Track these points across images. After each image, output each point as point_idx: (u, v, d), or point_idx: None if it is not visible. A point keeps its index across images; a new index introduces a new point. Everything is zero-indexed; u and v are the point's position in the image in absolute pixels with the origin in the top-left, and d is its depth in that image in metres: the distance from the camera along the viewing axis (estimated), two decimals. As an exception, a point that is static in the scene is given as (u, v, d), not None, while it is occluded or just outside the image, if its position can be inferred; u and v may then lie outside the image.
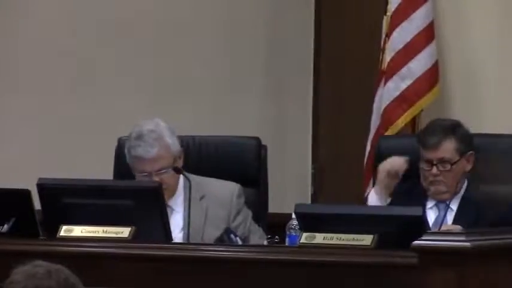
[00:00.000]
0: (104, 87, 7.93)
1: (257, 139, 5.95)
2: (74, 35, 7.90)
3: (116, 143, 6.05)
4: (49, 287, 2.25)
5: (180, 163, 5.05)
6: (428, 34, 6.78)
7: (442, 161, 5.58)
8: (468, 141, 5.61)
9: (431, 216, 5.50)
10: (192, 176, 5.00)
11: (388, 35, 6.83)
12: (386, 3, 6.95)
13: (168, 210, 4.85)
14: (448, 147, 5.51)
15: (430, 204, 5.58)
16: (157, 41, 8.26)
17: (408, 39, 6.76)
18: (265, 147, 5.94)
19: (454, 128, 5.58)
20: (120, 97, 7.91)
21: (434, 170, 5.54)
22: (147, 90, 8.02)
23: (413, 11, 6.79)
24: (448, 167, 5.54)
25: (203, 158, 5.61)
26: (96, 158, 7.12)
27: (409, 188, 5.69)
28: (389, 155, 5.74)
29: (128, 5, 8.12)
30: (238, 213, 5.08)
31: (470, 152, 5.57)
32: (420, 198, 5.55)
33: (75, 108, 7.56)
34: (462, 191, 5.64)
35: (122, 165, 5.39)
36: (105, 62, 8.01)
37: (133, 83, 8.02)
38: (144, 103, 7.83)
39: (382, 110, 6.78)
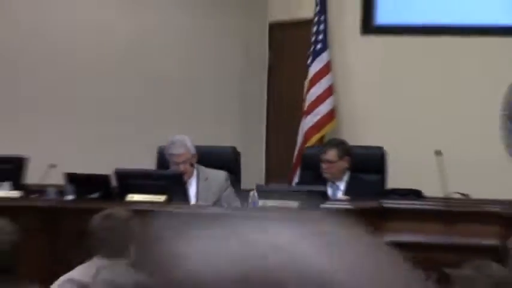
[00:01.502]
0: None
1: (234, 148, 6.26)
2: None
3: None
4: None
5: (194, 160, 5.61)
6: (329, 92, 6.89)
7: (327, 160, 5.98)
8: (346, 151, 6.02)
9: (329, 192, 5.80)
10: (200, 167, 5.66)
11: (308, 91, 6.91)
12: (307, 75, 6.95)
13: (188, 185, 5.54)
14: (331, 154, 5.95)
15: (329, 185, 5.92)
16: (141, 64, 7.45)
17: (318, 93, 6.87)
18: (239, 153, 6.24)
19: (338, 144, 6.09)
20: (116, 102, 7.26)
21: (324, 165, 5.99)
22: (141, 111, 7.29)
23: (320, 79, 6.88)
24: (330, 164, 5.99)
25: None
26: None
27: (319, 176, 6.04)
28: (311, 157, 6.33)
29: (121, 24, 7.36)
30: (226, 189, 5.59)
31: (347, 157, 5.98)
32: (325, 181, 5.97)
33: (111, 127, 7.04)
34: (346, 178, 6.01)
35: (161, 162, 5.85)
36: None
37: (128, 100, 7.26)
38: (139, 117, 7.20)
39: (304, 132, 6.90)
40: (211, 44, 7.44)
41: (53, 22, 7.31)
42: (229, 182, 5.68)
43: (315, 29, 6.94)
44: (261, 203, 5.45)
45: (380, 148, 6.12)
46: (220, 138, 6.82)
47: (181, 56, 7.42)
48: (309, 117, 6.88)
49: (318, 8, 6.91)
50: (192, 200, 5.54)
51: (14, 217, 3.78)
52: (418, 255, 4.29)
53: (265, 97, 7.65)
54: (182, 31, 7.38)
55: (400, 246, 3.15)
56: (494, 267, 2.59)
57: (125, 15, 7.35)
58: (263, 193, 5.49)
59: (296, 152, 6.85)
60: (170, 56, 7.30)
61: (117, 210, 4.12)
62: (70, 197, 5.50)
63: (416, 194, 5.82)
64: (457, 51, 6.72)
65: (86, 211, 4.46)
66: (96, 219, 3.91)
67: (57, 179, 5.76)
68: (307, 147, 6.73)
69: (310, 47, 6.97)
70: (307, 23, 7.00)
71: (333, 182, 5.92)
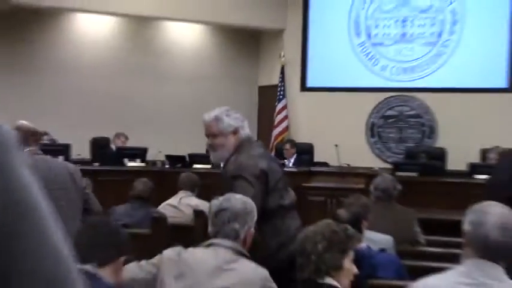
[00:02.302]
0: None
1: None
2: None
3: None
4: None
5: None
6: (285, 118, 6.72)
7: (286, 149, 5.64)
8: (294, 144, 5.71)
9: (286, 163, 5.38)
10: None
11: (276, 117, 6.73)
12: (275, 110, 6.76)
13: None
14: (287, 146, 5.75)
15: (286, 161, 5.49)
16: (174, 85, 6.58)
17: (280, 118, 6.73)
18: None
19: (290, 141, 5.91)
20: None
21: (284, 151, 5.58)
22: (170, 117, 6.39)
23: (281, 112, 6.66)
24: (287, 150, 5.64)
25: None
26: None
27: (283, 156, 5.57)
28: (278, 148, 6.01)
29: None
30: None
31: (295, 147, 5.59)
32: (285, 158, 5.55)
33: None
34: (294, 157, 5.57)
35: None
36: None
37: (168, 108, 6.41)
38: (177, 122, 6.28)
39: (274, 137, 6.70)
40: (226, 98, 6.44)
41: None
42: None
43: (278, 88, 6.80)
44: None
45: (310, 144, 6.02)
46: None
47: (211, 99, 6.34)
48: (276, 129, 6.77)
49: (280, 79, 6.80)
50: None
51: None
52: (327, 193, 4.59)
53: (256, 122, 7.26)
54: (207, 95, 6.48)
55: (319, 189, 4.38)
56: (362, 198, 2.34)
57: (144, 88, 6.46)
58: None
59: (270, 146, 6.67)
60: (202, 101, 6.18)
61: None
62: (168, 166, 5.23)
63: (325, 164, 5.76)
64: (347, 100, 6.54)
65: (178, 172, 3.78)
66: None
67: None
68: (276, 143, 6.57)
69: (277, 97, 6.79)
70: (276, 86, 6.87)
71: (288, 159, 5.68)
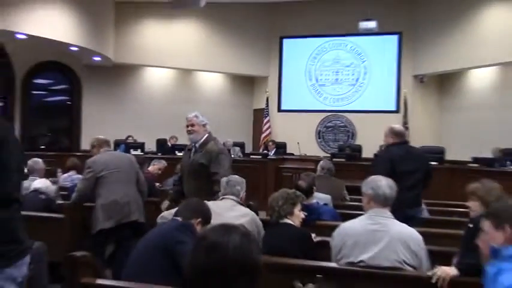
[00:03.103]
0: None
1: (243, 142, 5.54)
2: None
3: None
4: None
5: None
6: (268, 126, 6.16)
7: (270, 145, 5.30)
8: (275, 143, 5.42)
9: (269, 154, 5.12)
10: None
11: (264, 126, 6.29)
12: (263, 122, 6.28)
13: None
14: (270, 143, 5.43)
15: (270, 152, 5.17)
16: (197, 100, 6.18)
17: (266, 127, 6.33)
18: (244, 144, 5.50)
19: (272, 141, 5.51)
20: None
21: (268, 146, 5.30)
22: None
23: (267, 123, 6.36)
24: (270, 146, 5.35)
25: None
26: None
27: (267, 149, 5.32)
28: (266, 145, 5.55)
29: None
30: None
31: (275, 144, 5.32)
32: (268, 150, 5.27)
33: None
34: (274, 149, 5.27)
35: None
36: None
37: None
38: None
39: (262, 138, 6.27)
40: (234, 116, 6.53)
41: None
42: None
43: (264, 110, 6.39)
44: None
45: (284, 142, 5.70)
46: (239, 140, 5.64)
47: (225, 116, 6.25)
48: (263, 134, 6.35)
49: (266, 104, 6.39)
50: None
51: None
52: (293, 171, 4.25)
53: (252, 130, 6.79)
54: (223, 114, 6.14)
55: (289, 168, 3.94)
56: (313, 174, 2.15)
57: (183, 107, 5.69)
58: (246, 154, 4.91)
59: (260, 143, 6.28)
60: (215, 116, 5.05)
61: None
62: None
63: (292, 154, 5.39)
64: (305, 117, 6.28)
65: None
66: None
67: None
68: (264, 142, 6.18)
69: (264, 115, 6.38)
70: (263, 109, 6.48)
71: (271, 151, 5.39)
